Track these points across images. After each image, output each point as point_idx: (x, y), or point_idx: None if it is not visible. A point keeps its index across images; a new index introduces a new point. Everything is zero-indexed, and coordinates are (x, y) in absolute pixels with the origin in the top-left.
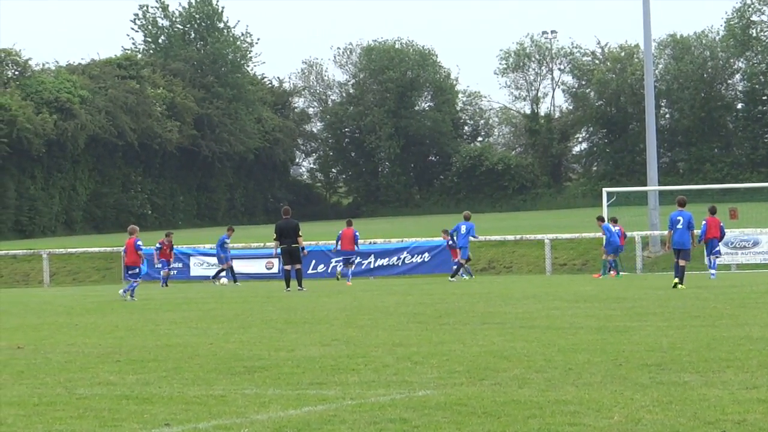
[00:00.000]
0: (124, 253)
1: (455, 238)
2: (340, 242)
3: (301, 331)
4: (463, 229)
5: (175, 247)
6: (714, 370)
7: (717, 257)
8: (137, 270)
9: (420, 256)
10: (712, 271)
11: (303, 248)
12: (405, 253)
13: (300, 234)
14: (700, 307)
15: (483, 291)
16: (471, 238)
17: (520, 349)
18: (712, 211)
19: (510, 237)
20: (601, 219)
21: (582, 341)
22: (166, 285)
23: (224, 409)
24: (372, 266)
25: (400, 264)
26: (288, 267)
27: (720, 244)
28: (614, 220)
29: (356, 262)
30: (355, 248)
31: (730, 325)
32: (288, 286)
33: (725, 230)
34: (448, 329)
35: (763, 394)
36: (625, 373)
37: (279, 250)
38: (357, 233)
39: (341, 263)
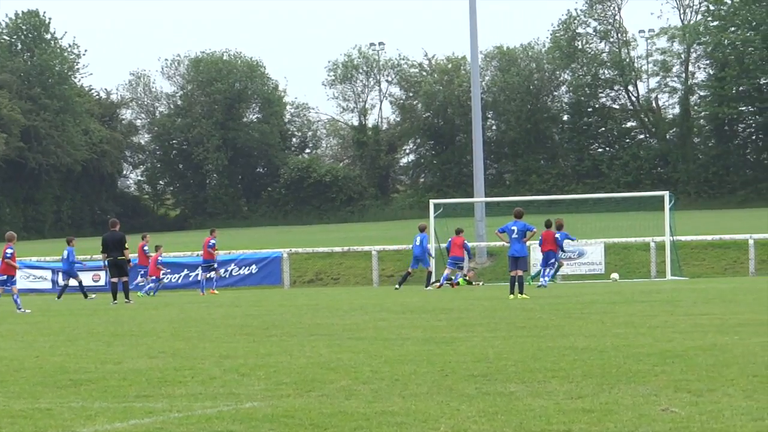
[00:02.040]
0: None
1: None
2: (450, 249)
3: (128, 344)
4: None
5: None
6: (539, 381)
7: (551, 269)
8: (5, 278)
9: (248, 268)
10: (544, 280)
11: (129, 261)
12: (233, 265)
13: (126, 246)
14: (525, 317)
15: (310, 303)
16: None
17: (347, 360)
18: (547, 225)
19: (338, 249)
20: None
21: (409, 352)
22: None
23: (50, 423)
24: (199, 278)
25: (227, 276)
26: (114, 280)
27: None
28: (459, 231)
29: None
30: (465, 254)
31: (555, 335)
32: (115, 298)
33: (561, 241)
34: (276, 341)
35: (588, 404)
36: (452, 383)
37: (106, 263)
38: (467, 241)
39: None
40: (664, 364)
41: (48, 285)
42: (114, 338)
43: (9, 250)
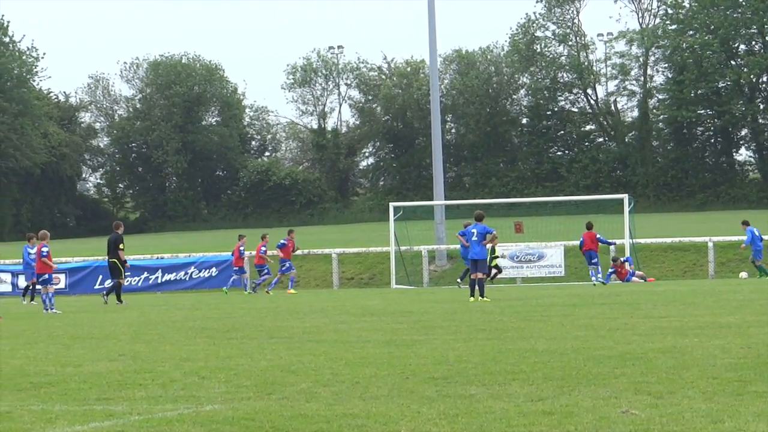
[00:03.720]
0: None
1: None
2: (583, 245)
3: (87, 347)
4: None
5: None
6: (500, 383)
7: (595, 267)
8: (47, 277)
9: (207, 270)
10: (594, 280)
11: (124, 262)
12: (192, 267)
13: (120, 248)
14: (486, 320)
15: (271, 305)
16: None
17: (307, 363)
18: (589, 227)
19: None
20: (745, 223)
21: (369, 355)
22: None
23: (10, 426)
24: (159, 281)
25: (187, 279)
26: (120, 280)
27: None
28: (590, 226)
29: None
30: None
31: (515, 338)
32: (119, 299)
33: (607, 240)
34: (236, 344)
35: (548, 406)
36: (412, 386)
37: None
38: (599, 235)
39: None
40: (624, 366)
41: (8, 288)
42: (74, 341)
43: (45, 249)
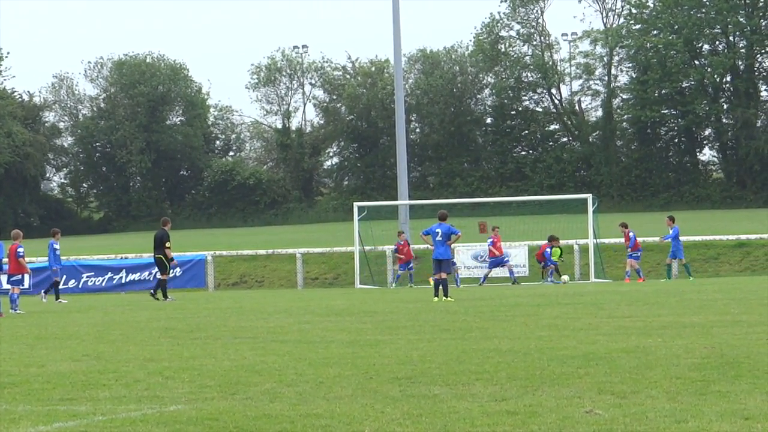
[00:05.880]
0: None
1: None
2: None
3: (51, 347)
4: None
5: None
6: (464, 383)
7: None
8: (19, 277)
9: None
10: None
11: (171, 259)
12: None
13: (167, 245)
14: (450, 320)
15: (235, 305)
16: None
17: (271, 363)
18: (549, 239)
19: (262, 251)
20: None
21: (333, 355)
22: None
23: None
24: (123, 281)
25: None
26: (160, 276)
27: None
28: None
29: None
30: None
31: (479, 338)
32: (158, 295)
33: (552, 257)
34: (200, 344)
35: (512, 406)
36: (376, 386)
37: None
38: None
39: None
40: (587, 366)
41: None
42: (37, 341)
43: (21, 249)
